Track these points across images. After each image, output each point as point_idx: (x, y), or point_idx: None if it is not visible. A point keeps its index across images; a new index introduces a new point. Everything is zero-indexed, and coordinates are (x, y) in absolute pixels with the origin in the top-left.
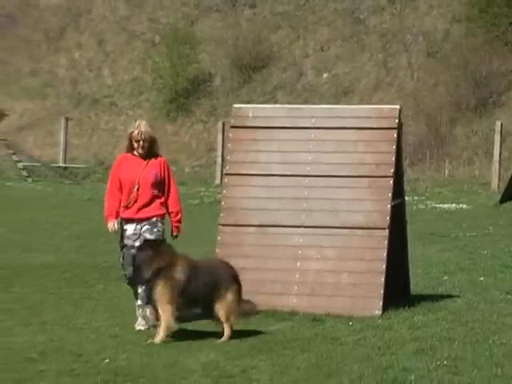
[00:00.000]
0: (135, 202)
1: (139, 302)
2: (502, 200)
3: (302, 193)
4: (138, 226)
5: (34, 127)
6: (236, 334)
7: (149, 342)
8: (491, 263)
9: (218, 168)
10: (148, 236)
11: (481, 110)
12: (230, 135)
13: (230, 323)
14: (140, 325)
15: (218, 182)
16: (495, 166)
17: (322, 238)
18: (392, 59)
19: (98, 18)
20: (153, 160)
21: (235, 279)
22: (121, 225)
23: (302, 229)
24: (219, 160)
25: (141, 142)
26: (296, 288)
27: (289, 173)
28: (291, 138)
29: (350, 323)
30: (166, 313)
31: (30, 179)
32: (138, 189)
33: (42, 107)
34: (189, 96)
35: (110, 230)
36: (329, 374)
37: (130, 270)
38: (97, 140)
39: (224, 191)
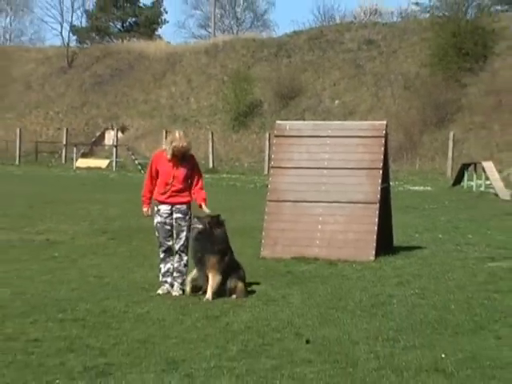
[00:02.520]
0: (169, 190)
1: (168, 279)
2: (454, 184)
3: (321, 179)
4: (169, 207)
5: (145, 137)
6: (278, 273)
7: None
8: (446, 226)
9: (266, 163)
10: (183, 223)
11: (440, 125)
12: (274, 142)
13: None
14: (163, 290)
15: (265, 172)
16: (449, 161)
17: (336, 209)
18: (381, 91)
19: (187, 65)
20: (185, 158)
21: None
22: (155, 205)
23: (322, 203)
24: (266, 158)
25: (182, 151)
26: (318, 242)
27: (313, 166)
28: (314, 143)
29: (354, 265)
30: (216, 279)
31: (142, 171)
32: (172, 181)
33: (150, 124)
34: (247, 116)
35: (144, 213)
36: (339, 298)
37: (164, 240)
38: None
39: (270, 178)
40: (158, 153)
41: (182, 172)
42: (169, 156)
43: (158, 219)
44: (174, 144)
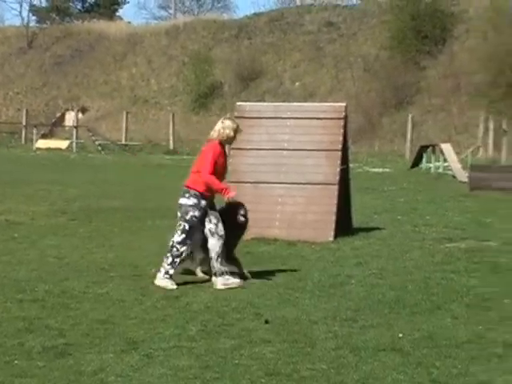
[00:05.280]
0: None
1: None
2: (412, 166)
3: (281, 161)
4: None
5: (105, 118)
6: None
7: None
8: (405, 207)
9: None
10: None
11: (399, 107)
12: None
13: None
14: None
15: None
16: (408, 143)
17: (295, 190)
18: (341, 73)
19: (148, 46)
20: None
21: None
22: (197, 197)
23: (282, 184)
24: None
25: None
26: (277, 223)
27: (273, 147)
28: (274, 125)
29: (313, 246)
30: None
31: (103, 152)
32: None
33: (111, 105)
34: (207, 97)
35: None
36: (299, 278)
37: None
38: (147, 126)
39: (230, 160)
40: (216, 143)
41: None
42: (220, 143)
43: (196, 213)
44: (236, 133)
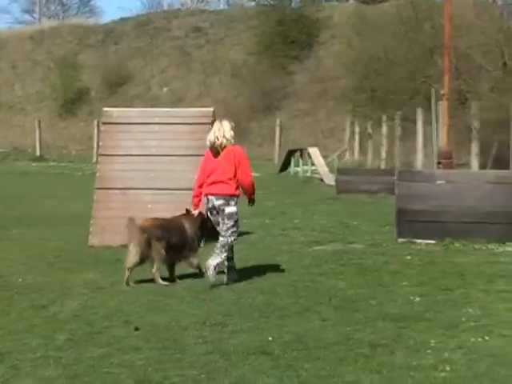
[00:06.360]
0: None
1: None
2: (280, 170)
3: (150, 166)
4: None
5: None
6: (106, 260)
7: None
8: (274, 211)
9: (94, 151)
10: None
11: (267, 112)
12: (102, 129)
13: None
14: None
15: (94, 160)
16: (276, 148)
17: (164, 196)
18: (209, 79)
19: (12, 51)
20: None
21: None
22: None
23: (151, 190)
24: (95, 145)
25: None
26: None
27: (141, 153)
28: (142, 130)
29: None
30: None
31: None
32: None
33: None
34: (74, 103)
35: None
36: (169, 284)
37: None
38: (12, 132)
39: (98, 166)
40: (242, 149)
41: None
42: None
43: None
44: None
